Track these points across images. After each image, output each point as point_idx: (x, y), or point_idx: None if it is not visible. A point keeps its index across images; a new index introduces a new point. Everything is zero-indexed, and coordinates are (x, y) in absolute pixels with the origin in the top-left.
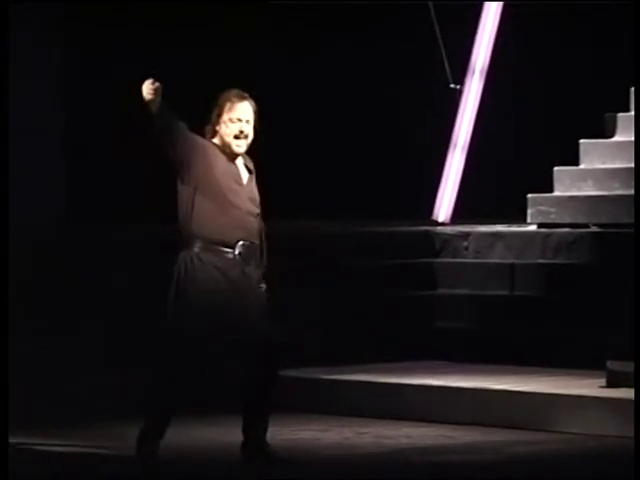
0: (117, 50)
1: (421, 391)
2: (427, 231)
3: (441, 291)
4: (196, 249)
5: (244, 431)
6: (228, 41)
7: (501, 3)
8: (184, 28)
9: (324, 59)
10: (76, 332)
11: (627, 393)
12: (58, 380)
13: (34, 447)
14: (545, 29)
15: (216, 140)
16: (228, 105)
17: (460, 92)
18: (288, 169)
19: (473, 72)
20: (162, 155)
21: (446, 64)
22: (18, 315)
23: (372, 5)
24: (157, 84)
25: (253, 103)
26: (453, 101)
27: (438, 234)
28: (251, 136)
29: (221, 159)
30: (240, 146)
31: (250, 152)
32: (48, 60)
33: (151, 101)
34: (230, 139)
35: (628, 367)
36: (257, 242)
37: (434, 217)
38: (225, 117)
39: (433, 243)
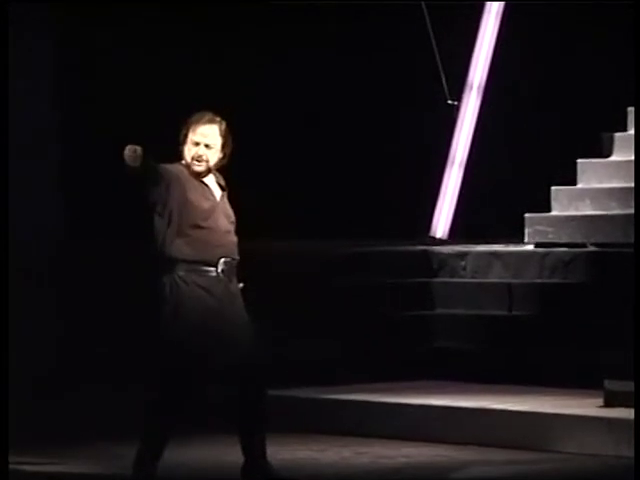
0: (114, 60)
1: (420, 411)
2: (424, 250)
3: (439, 311)
4: (180, 272)
5: (243, 452)
6: (221, 45)
7: (498, 17)
8: (184, 28)
9: (316, 74)
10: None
11: (625, 413)
12: (56, 396)
13: (31, 466)
14: (543, 45)
15: (184, 161)
16: (192, 127)
17: (457, 108)
18: (280, 187)
19: (470, 88)
20: (142, 197)
21: (443, 80)
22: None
23: (367, 19)
24: (138, 149)
25: (223, 127)
26: (451, 117)
27: (436, 253)
28: (213, 160)
29: (192, 181)
30: (200, 165)
31: (231, 170)
32: (43, 70)
33: (134, 166)
34: (189, 161)
35: (626, 387)
36: (237, 258)
37: (432, 234)
38: (188, 139)
39: (430, 262)
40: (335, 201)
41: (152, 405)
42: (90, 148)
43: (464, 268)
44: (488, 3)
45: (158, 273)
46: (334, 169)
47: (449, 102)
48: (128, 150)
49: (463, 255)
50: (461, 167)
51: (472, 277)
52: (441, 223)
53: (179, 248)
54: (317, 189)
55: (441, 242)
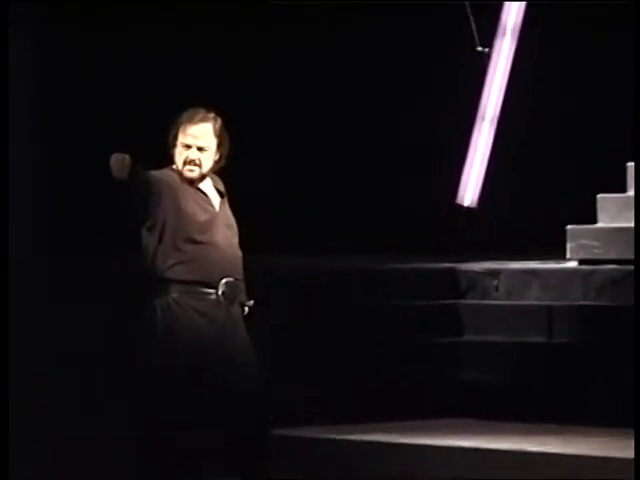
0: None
1: (445, 453)
2: (451, 268)
3: (468, 337)
4: (173, 294)
5: None
6: (221, 44)
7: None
8: (186, 29)
9: (322, 74)
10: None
11: None
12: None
13: None
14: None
15: (175, 166)
16: (182, 127)
17: (488, 56)
18: (281, 195)
19: (503, 32)
20: (128, 209)
21: (473, 25)
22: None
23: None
24: (126, 158)
25: (217, 125)
26: (481, 65)
27: (464, 271)
28: (208, 164)
29: (186, 189)
30: (192, 171)
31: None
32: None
33: (121, 177)
34: (180, 166)
35: None
36: (241, 277)
37: (459, 201)
38: (178, 141)
39: (458, 282)
40: (346, 211)
41: (142, 453)
42: (68, 153)
43: (497, 288)
44: None
45: (147, 295)
46: (341, 175)
47: (479, 49)
48: (115, 159)
49: (496, 273)
50: (492, 124)
51: (506, 299)
52: (469, 189)
53: (172, 267)
54: (322, 197)
55: (469, 212)
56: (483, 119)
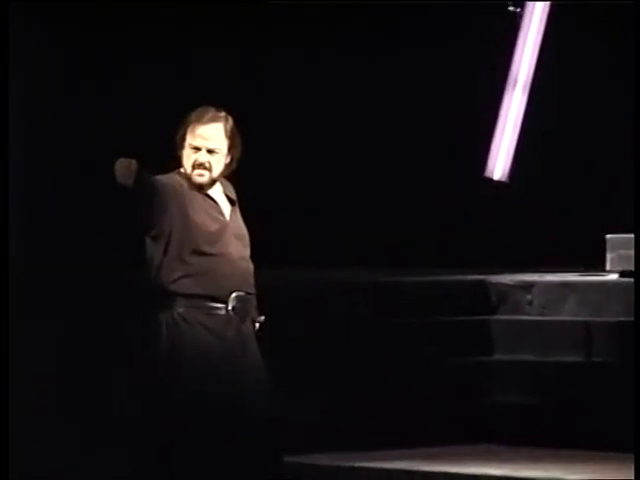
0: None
1: None
2: (480, 281)
3: (498, 356)
4: (179, 309)
5: None
6: (227, 44)
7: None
8: (186, 29)
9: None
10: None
11: None
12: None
13: None
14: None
15: (182, 169)
16: (191, 127)
17: (520, 15)
18: (298, 206)
19: None
20: (132, 217)
21: None
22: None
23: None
24: (133, 164)
25: (229, 125)
26: (513, 26)
27: (494, 284)
28: (218, 168)
29: (194, 195)
30: (202, 175)
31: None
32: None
33: (126, 183)
34: (188, 170)
35: None
36: (253, 292)
37: (488, 174)
38: (186, 142)
39: (489, 295)
40: (361, 219)
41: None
42: (68, 154)
43: (530, 303)
44: None
45: (151, 310)
46: (352, 179)
47: (511, 9)
48: (120, 165)
49: (529, 286)
50: (525, 90)
51: (540, 314)
52: (500, 160)
53: (178, 280)
54: (333, 203)
55: (499, 186)
56: (515, 85)
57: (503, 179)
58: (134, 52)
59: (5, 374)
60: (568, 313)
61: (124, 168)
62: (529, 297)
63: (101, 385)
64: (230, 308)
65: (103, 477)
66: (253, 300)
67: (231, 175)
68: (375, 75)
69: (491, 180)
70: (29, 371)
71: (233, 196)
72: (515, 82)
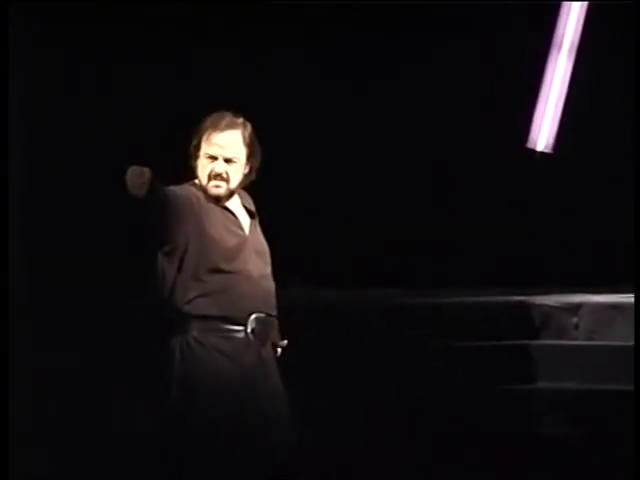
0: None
1: None
2: (522, 302)
3: (542, 384)
4: (194, 332)
5: None
6: (243, 48)
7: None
8: (186, 29)
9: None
10: None
11: None
12: None
13: None
14: None
15: (198, 181)
16: (206, 135)
17: None
18: (319, 221)
19: None
20: (146, 229)
21: None
22: None
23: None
24: (146, 173)
25: (247, 132)
26: None
27: (537, 305)
28: (236, 179)
29: (211, 208)
30: (218, 187)
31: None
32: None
33: (139, 194)
34: (204, 181)
35: None
36: (274, 313)
37: (531, 145)
38: (201, 151)
39: (531, 318)
40: (392, 234)
41: None
42: (68, 156)
43: (576, 326)
44: None
45: (163, 333)
46: (372, 188)
47: None
48: (132, 173)
49: (575, 308)
50: (571, 53)
51: (588, 338)
52: (543, 130)
53: (194, 300)
54: (354, 218)
55: (542, 157)
56: (559, 49)
57: (547, 150)
58: (134, 52)
59: (5, 372)
60: (618, 338)
61: (136, 177)
62: (575, 320)
63: (111, 414)
64: (249, 331)
65: None
66: (274, 322)
67: (249, 186)
68: (375, 75)
69: (534, 151)
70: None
71: (252, 208)
72: (560, 46)
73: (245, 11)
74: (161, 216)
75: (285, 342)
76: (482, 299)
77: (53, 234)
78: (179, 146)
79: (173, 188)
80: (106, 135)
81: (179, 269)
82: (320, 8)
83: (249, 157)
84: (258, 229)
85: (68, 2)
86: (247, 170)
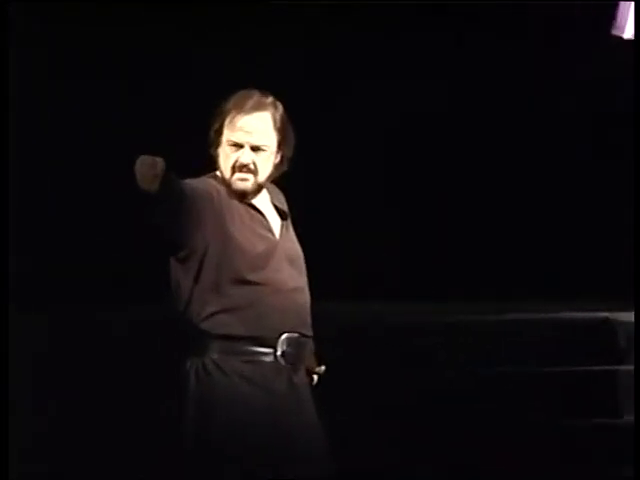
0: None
1: None
2: (607, 319)
3: (628, 417)
4: (213, 354)
5: None
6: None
7: None
8: (186, 29)
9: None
10: None
11: None
12: None
13: None
14: None
15: (219, 173)
16: (229, 118)
17: None
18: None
19: None
20: (158, 231)
21: None
22: None
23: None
24: (159, 164)
25: (278, 114)
26: None
27: (626, 323)
28: (266, 170)
29: (235, 206)
30: (245, 180)
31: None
32: None
33: (151, 189)
34: (227, 173)
35: None
36: (310, 333)
37: (615, 31)
38: (223, 138)
39: (616, 337)
40: (454, 240)
41: None
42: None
43: None
44: None
45: (177, 354)
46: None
47: None
48: (142, 164)
49: None
50: None
51: None
52: (631, 15)
53: (213, 316)
54: (406, 223)
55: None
56: None
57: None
58: (134, 52)
59: (5, 374)
60: None
61: (147, 168)
62: None
63: (121, 446)
64: (280, 354)
65: None
66: (310, 344)
67: (280, 179)
68: (375, 75)
69: (621, 39)
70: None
71: (284, 207)
72: None
73: (245, 11)
74: (176, 215)
75: (323, 368)
76: (558, 315)
77: (52, 238)
78: (182, 145)
79: (190, 182)
80: (107, 135)
81: (196, 279)
82: (320, 8)
83: (280, 144)
84: (291, 232)
85: (68, 2)
86: (278, 160)
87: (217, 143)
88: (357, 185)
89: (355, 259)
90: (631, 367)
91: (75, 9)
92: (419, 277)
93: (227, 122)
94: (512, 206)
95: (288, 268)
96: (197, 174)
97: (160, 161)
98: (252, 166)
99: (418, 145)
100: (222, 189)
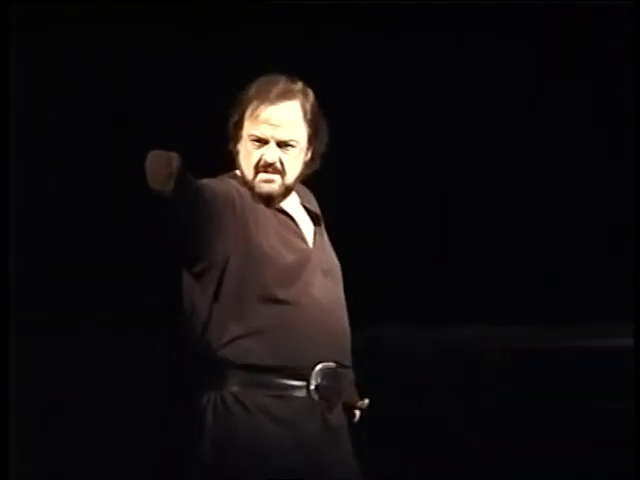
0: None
1: None
2: None
3: None
4: (233, 386)
5: None
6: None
7: None
8: (186, 29)
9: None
10: None
11: None
12: None
13: None
14: None
15: (239, 172)
16: (250, 109)
17: None
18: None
19: None
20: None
21: None
22: None
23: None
24: (174, 161)
25: (309, 103)
26: None
27: None
28: (295, 170)
29: (260, 211)
30: (271, 181)
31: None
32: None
33: (165, 190)
34: (249, 173)
35: None
36: (349, 363)
37: None
38: (244, 132)
39: None
40: (509, 256)
41: None
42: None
43: None
44: None
45: (192, 387)
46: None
47: None
48: (154, 160)
49: None
50: None
51: None
52: None
53: (235, 342)
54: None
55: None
56: None
57: None
58: (134, 52)
59: (5, 374)
60: None
61: (161, 165)
62: None
63: None
64: (313, 388)
65: None
66: (349, 375)
67: (310, 178)
68: (375, 75)
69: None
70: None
71: (317, 210)
72: None
73: (245, 11)
74: (192, 221)
75: (366, 402)
76: (614, 342)
77: (50, 241)
78: (183, 146)
79: (208, 182)
80: (107, 135)
81: (215, 297)
82: (320, 8)
83: (311, 138)
84: (325, 239)
85: (68, 2)
86: (309, 157)
87: (237, 138)
88: (357, 187)
89: (404, 276)
90: None
91: (75, 9)
92: (487, 296)
93: (248, 113)
94: (529, 228)
95: (324, 282)
96: (212, 170)
97: (175, 157)
98: (279, 165)
99: (418, 145)
100: (244, 191)
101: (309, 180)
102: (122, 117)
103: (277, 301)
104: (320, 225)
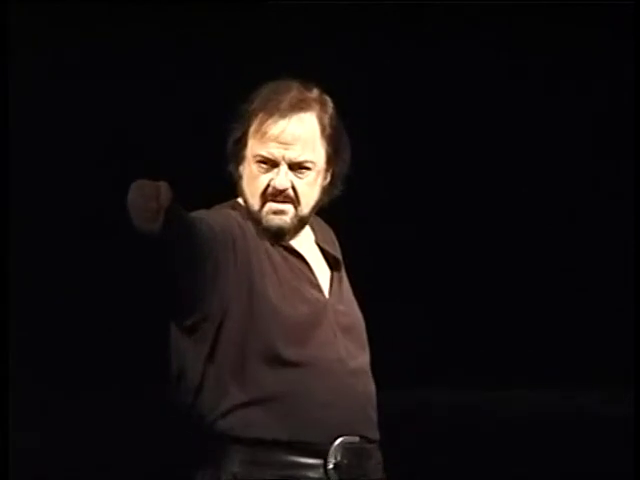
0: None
1: None
2: None
3: None
4: (233, 466)
5: None
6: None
7: None
8: (186, 29)
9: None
10: None
11: None
12: None
13: None
14: None
15: (242, 201)
16: (256, 123)
17: None
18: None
19: None
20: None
21: None
22: None
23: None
24: (163, 192)
25: (327, 116)
26: None
27: None
28: (310, 198)
29: (266, 251)
30: (282, 213)
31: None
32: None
33: (151, 228)
34: (254, 203)
35: None
36: (375, 436)
37: None
38: (248, 151)
39: None
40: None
41: None
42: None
43: None
44: None
45: (184, 464)
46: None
47: None
48: (139, 193)
49: None
50: None
51: None
52: None
53: (235, 412)
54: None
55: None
56: None
57: None
58: (134, 52)
59: (5, 371)
60: None
61: (146, 200)
62: None
63: None
64: (331, 467)
65: None
66: (375, 452)
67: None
68: (375, 75)
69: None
70: None
71: (336, 252)
72: None
73: (245, 11)
74: (183, 265)
75: None
76: None
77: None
78: (184, 150)
79: (203, 215)
80: (107, 135)
81: (210, 357)
82: (320, 8)
83: (331, 158)
84: (346, 287)
85: (68, 2)
86: (327, 181)
87: (240, 159)
88: (356, 190)
89: (434, 335)
90: None
91: (75, 9)
92: (518, 358)
93: (254, 129)
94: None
95: (343, 341)
96: (207, 197)
97: (164, 187)
98: (291, 192)
99: (418, 146)
100: (248, 225)
101: (325, 210)
102: (122, 117)
103: (286, 363)
104: (340, 270)
